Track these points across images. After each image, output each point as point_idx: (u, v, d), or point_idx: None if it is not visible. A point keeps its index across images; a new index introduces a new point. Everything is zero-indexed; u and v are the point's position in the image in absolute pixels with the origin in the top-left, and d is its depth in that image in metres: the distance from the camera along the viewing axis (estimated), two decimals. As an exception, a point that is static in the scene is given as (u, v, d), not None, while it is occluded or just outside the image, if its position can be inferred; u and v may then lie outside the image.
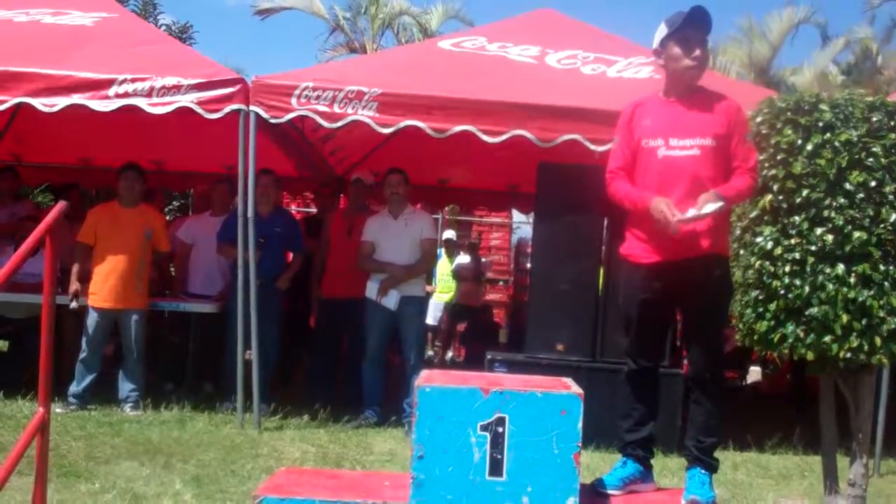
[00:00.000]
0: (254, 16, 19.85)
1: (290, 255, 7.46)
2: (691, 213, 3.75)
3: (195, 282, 7.72)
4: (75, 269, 6.70)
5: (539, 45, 7.14)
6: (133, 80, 6.15)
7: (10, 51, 6.43)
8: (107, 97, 6.18)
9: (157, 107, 6.20)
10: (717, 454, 4.03)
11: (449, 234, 12.83)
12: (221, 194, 7.85)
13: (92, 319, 6.64)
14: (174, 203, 14.39)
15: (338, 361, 7.48)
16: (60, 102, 6.21)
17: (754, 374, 11.16)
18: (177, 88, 6.16)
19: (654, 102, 4.08)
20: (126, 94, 6.17)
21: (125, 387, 6.69)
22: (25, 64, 6.29)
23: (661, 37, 4.02)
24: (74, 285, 6.66)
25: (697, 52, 3.94)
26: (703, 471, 3.91)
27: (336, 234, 7.35)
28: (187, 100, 6.18)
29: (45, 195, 13.10)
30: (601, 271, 6.61)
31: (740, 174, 3.92)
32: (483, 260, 13.34)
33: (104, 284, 6.62)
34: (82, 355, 6.64)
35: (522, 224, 15.35)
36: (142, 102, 6.19)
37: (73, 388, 6.57)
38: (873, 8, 18.91)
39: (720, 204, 3.77)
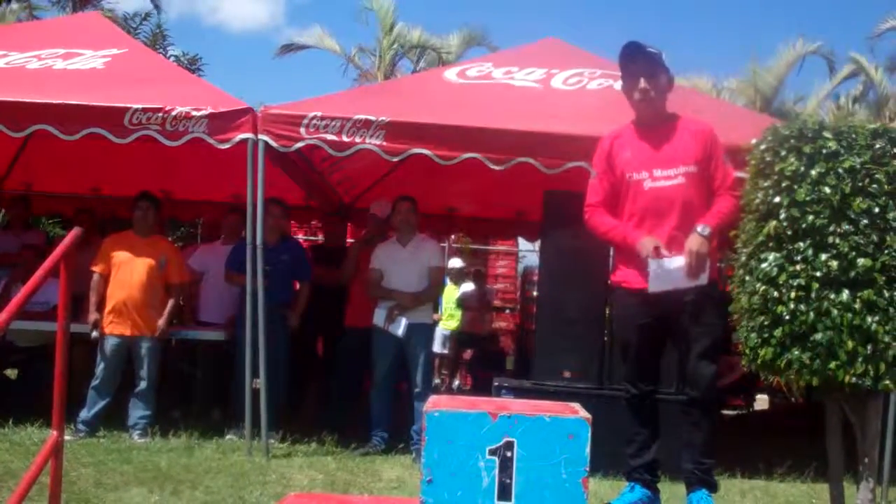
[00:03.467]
0: (275, 57, 20.33)
1: (297, 284, 7.48)
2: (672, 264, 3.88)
3: (206, 310, 7.76)
4: (93, 298, 6.74)
5: (545, 66, 7.18)
6: (145, 111, 6.22)
7: (23, 92, 6.49)
8: (123, 128, 6.24)
9: (170, 139, 6.27)
10: (725, 481, 4.05)
11: (454, 262, 12.82)
12: (232, 223, 7.90)
13: (107, 346, 6.68)
14: (181, 230, 14.48)
15: (361, 389, 7.48)
16: (78, 131, 6.27)
17: (762, 401, 11.14)
18: (188, 118, 6.23)
19: (630, 134, 4.17)
20: (140, 125, 6.24)
21: (135, 413, 6.72)
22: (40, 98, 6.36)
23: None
24: (94, 315, 6.70)
25: (641, 85, 4.06)
26: (708, 493, 3.94)
27: (364, 264, 7.33)
28: (198, 130, 6.25)
29: (54, 224, 13.17)
30: (608, 298, 6.63)
31: (720, 195, 4.03)
32: (488, 287, 13.30)
33: (119, 312, 6.68)
34: (95, 382, 6.67)
35: (528, 252, 15.40)
36: (157, 135, 6.26)
37: (84, 414, 6.60)
38: (877, 36, 19.03)
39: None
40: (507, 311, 15.45)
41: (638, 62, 4.11)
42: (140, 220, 6.91)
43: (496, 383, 6.66)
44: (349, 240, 9.46)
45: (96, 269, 6.77)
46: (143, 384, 6.75)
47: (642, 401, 4.21)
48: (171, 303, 6.97)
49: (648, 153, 4.06)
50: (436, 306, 10.42)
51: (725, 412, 10.16)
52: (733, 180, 4.08)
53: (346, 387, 7.37)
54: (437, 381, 11.75)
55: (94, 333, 6.69)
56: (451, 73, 7.47)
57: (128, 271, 6.73)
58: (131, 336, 6.69)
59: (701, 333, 4.01)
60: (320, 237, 11.81)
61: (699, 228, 3.91)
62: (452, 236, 14.17)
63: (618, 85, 7.04)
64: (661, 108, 4.14)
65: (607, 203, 4.19)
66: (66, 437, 6.04)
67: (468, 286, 12.35)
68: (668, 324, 4.10)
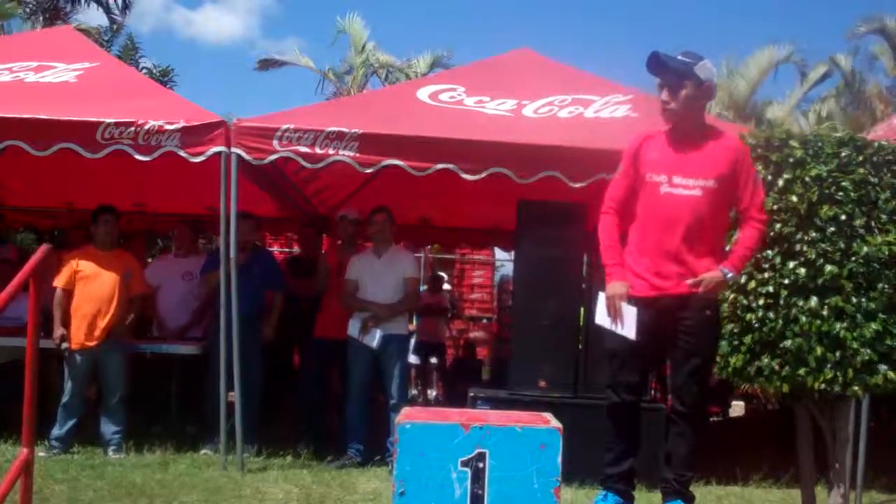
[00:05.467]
0: (255, 70, 20.52)
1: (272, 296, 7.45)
2: None
3: (163, 322, 7.77)
4: (57, 314, 6.66)
5: (515, 97, 7.20)
6: (117, 125, 6.18)
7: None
8: (95, 142, 6.20)
9: (143, 153, 6.23)
10: (701, 488, 4.06)
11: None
12: (182, 234, 7.92)
13: (73, 362, 6.62)
14: (159, 243, 14.41)
15: (330, 402, 7.45)
16: (50, 146, 6.22)
17: (737, 408, 11.20)
18: (160, 132, 6.19)
19: (663, 138, 4.12)
20: (112, 139, 6.20)
21: (107, 429, 6.67)
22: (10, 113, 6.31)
23: None
24: (60, 330, 6.62)
25: (662, 97, 4.06)
26: None
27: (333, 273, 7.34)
28: (171, 144, 6.22)
29: (28, 239, 13.07)
30: (582, 307, 6.66)
31: (747, 221, 3.97)
32: (446, 294, 12.89)
33: (85, 327, 6.61)
34: (64, 399, 6.61)
35: (506, 262, 15.39)
36: (129, 149, 6.22)
37: (56, 431, 6.54)
38: (856, 38, 19.08)
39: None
40: (484, 321, 15.44)
41: (658, 74, 4.08)
42: (104, 234, 6.87)
43: (472, 394, 6.65)
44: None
45: (59, 284, 6.68)
46: (112, 399, 6.70)
47: (623, 410, 4.18)
48: (132, 314, 6.95)
49: (673, 158, 4.01)
50: (412, 317, 10.37)
51: (702, 419, 10.19)
52: (762, 201, 4.01)
53: (310, 398, 7.35)
54: (413, 391, 11.71)
55: (64, 345, 6.62)
56: (423, 94, 7.42)
57: (95, 285, 6.68)
58: (98, 350, 6.63)
59: (694, 352, 3.98)
60: (295, 248, 11.76)
61: (728, 274, 3.88)
62: (429, 246, 14.10)
63: (589, 112, 7.16)
64: (691, 119, 4.07)
65: (624, 206, 4.16)
66: (40, 454, 6.04)
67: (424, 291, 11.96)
68: (662, 337, 4.06)
